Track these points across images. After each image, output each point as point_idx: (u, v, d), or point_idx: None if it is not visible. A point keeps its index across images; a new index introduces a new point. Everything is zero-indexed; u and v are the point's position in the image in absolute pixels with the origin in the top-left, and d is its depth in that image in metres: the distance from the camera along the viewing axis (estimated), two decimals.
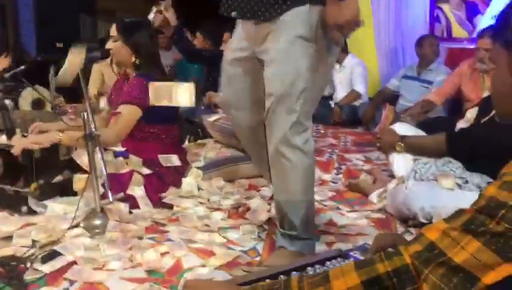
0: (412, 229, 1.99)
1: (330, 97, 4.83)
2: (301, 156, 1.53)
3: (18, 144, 2.17)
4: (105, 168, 1.88)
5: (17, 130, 2.39)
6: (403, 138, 2.33)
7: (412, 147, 2.30)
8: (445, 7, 4.73)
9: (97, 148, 1.92)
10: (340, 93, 4.74)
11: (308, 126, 1.55)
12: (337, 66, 4.69)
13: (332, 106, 4.69)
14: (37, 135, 2.34)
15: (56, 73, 3.75)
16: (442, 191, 2.02)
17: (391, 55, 5.23)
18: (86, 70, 2.74)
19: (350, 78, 4.69)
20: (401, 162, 2.33)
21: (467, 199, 1.95)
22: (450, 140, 2.19)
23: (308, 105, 1.53)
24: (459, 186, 2.04)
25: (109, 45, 2.38)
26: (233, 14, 1.58)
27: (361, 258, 1.42)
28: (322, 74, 1.56)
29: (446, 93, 3.63)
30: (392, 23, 5.23)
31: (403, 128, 2.46)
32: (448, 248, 0.79)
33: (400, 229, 2.02)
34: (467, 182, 2.05)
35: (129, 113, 2.29)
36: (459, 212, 0.85)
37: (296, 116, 1.49)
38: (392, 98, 4.51)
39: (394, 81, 4.51)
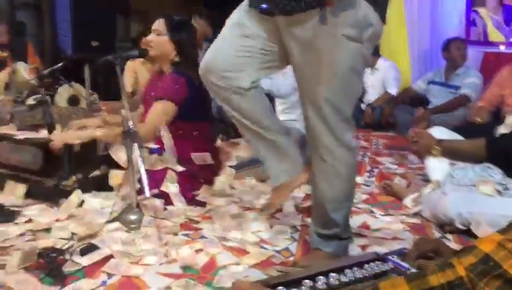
0: (449, 235, 1.95)
1: (360, 99, 4.79)
2: (350, 154, 1.53)
3: (58, 138, 2.23)
4: (143, 165, 1.91)
5: (57, 125, 2.44)
6: (439, 141, 2.29)
7: (449, 151, 2.26)
8: (482, 11, 4.63)
9: (135, 144, 1.95)
10: (372, 96, 4.71)
11: (353, 124, 1.55)
12: (368, 69, 4.65)
13: (363, 108, 4.65)
14: (76, 130, 2.40)
15: (91, 70, 3.85)
16: (481, 197, 1.97)
17: (424, 57, 5.16)
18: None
19: (382, 81, 4.66)
20: (437, 167, 2.29)
21: (506, 205, 1.92)
22: (490, 145, 2.15)
23: (351, 104, 1.52)
24: (499, 192, 2.00)
25: (151, 37, 2.40)
26: (264, 6, 1.46)
27: (400, 262, 1.40)
28: (362, 73, 1.54)
29: (492, 101, 3.52)
30: (426, 25, 5.16)
31: (439, 132, 2.42)
32: (504, 260, 0.78)
33: (436, 234, 1.98)
34: (507, 188, 2.00)
35: (164, 109, 2.32)
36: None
37: (343, 114, 1.49)
38: (417, 100, 4.45)
39: (420, 83, 4.45)
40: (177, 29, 2.41)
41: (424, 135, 2.39)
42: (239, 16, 1.59)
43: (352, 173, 1.59)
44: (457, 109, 3.97)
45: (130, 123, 1.94)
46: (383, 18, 1.47)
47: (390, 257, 1.47)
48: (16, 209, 2.04)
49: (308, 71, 1.48)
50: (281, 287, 1.12)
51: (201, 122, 2.45)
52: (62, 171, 2.17)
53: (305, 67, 1.48)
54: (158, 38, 2.41)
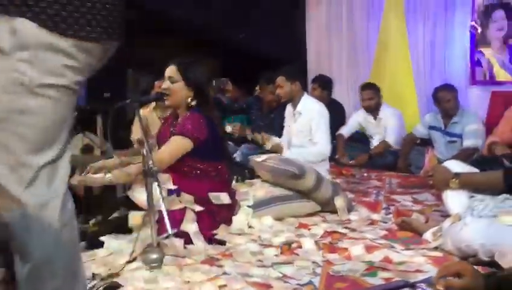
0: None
1: (367, 142, 4.82)
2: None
3: (79, 182, 2.24)
4: (164, 202, 1.93)
5: (77, 170, 2.48)
6: (457, 174, 2.29)
7: (468, 184, 2.26)
8: (487, 51, 4.72)
9: (155, 183, 1.97)
10: (377, 143, 4.70)
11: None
12: (371, 118, 4.69)
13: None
14: (93, 174, 2.42)
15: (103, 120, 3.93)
16: (503, 228, 1.95)
17: (431, 99, 5.20)
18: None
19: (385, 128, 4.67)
20: (455, 199, 2.28)
21: None
22: (508, 177, 2.14)
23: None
24: None
25: (167, 84, 2.42)
26: None
27: (427, 288, 1.40)
28: None
29: (502, 137, 3.51)
30: (431, 68, 5.26)
31: (455, 165, 2.42)
32: None
33: None
34: None
35: (178, 143, 2.33)
36: None
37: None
38: (424, 143, 4.45)
39: (419, 128, 4.44)
40: (192, 72, 2.44)
41: (440, 169, 2.40)
42: None
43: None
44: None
45: (150, 162, 1.97)
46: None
47: (418, 284, 1.46)
48: None
49: None
50: None
51: (219, 162, 2.47)
52: (82, 214, 2.19)
53: None
54: (174, 85, 2.42)
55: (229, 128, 4.11)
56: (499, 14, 4.59)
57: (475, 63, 4.83)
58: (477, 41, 4.79)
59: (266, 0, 6.16)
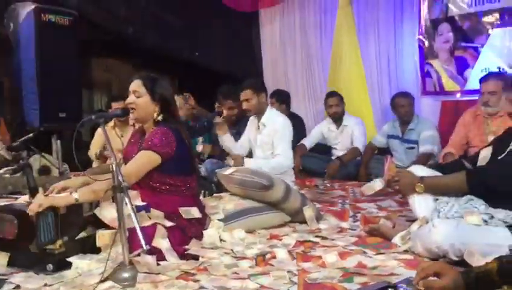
0: None
1: (329, 153, 4.90)
2: None
3: (35, 203, 2.11)
4: (136, 218, 1.88)
5: (40, 189, 2.37)
6: (422, 178, 2.36)
7: (433, 187, 2.33)
8: (435, 63, 4.95)
9: (125, 199, 1.92)
10: (341, 152, 4.79)
11: None
12: (334, 128, 4.80)
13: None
14: (57, 193, 2.32)
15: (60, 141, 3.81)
16: (470, 228, 2.03)
17: (385, 111, 5.39)
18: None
19: (350, 137, 4.77)
20: (422, 203, 2.35)
21: (494, 234, 1.99)
22: (470, 178, 2.23)
23: None
24: (485, 222, 2.06)
25: (132, 99, 2.37)
26: None
27: (408, 288, 1.43)
28: None
29: (460, 143, 3.68)
30: (384, 80, 5.44)
31: (419, 170, 2.50)
32: None
33: None
34: (492, 217, 2.07)
35: (146, 158, 2.28)
36: None
37: None
38: (383, 152, 4.59)
39: (379, 138, 4.61)
40: (159, 86, 2.41)
41: (405, 174, 2.47)
42: None
43: None
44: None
45: (120, 178, 1.92)
46: None
47: (399, 285, 1.49)
48: (1, 277, 1.93)
49: None
50: None
51: (189, 177, 2.44)
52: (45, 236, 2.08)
53: None
54: (139, 100, 2.38)
55: (200, 148, 4.07)
56: (444, 27, 4.83)
57: (425, 75, 5.04)
58: (425, 54, 5.02)
59: (221, 19, 6.20)
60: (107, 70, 7.18)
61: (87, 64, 7.13)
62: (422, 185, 2.34)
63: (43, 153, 3.88)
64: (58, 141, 4.32)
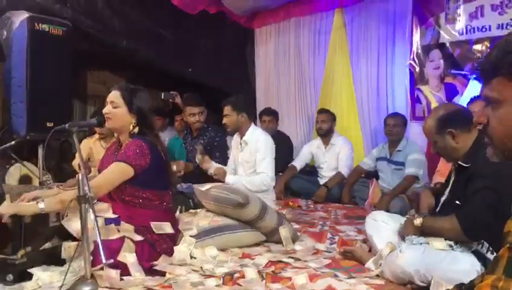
0: None
1: (316, 175, 4.88)
2: None
3: (7, 210, 2.10)
4: (99, 230, 1.83)
5: (7, 196, 2.33)
6: (424, 215, 2.26)
7: (428, 226, 2.15)
8: (425, 88, 4.95)
9: (90, 211, 1.88)
10: (327, 172, 4.77)
11: None
12: (322, 145, 4.80)
13: (321, 182, 4.70)
14: (22, 202, 2.27)
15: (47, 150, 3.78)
16: (435, 254, 2.00)
17: (375, 134, 5.38)
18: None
19: (337, 156, 4.76)
20: (382, 235, 2.35)
21: (458, 259, 1.95)
22: (461, 218, 1.99)
23: None
24: (451, 247, 2.03)
25: (108, 109, 2.35)
26: None
27: None
28: None
29: (447, 171, 3.62)
30: (375, 104, 5.44)
31: (379, 215, 2.55)
32: None
33: None
34: (457, 242, 2.04)
35: (117, 170, 2.24)
36: (496, 259, 0.85)
37: None
38: (369, 175, 4.57)
39: (367, 160, 4.59)
40: (136, 98, 2.39)
41: (428, 193, 2.47)
42: None
43: None
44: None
45: (86, 188, 1.89)
46: None
47: None
48: None
49: None
50: None
51: (163, 191, 2.40)
52: (11, 245, 2.04)
53: None
54: (116, 110, 2.36)
55: (174, 168, 4.04)
56: (436, 53, 4.85)
57: (415, 100, 5.04)
58: (416, 79, 5.03)
59: (216, 37, 6.22)
60: (101, 82, 7.17)
61: (81, 75, 7.14)
62: (421, 220, 2.18)
63: (24, 162, 3.83)
64: (41, 151, 4.28)
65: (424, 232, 2.15)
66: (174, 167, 3.46)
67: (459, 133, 2.12)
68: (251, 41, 6.67)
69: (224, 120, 3.33)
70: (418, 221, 2.19)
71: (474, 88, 4.52)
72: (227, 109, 3.31)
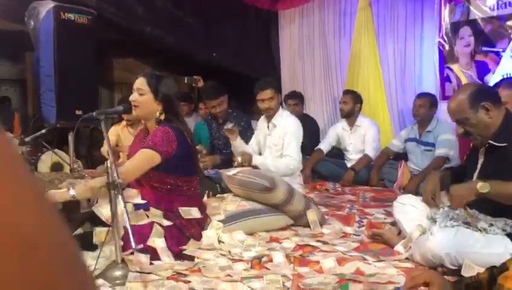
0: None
1: (342, 157, 4.82)
2: None
3: None
4: (128, 216, 1.86)
5: None
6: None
7: (497, 189, 1.93)
8: (455, 67, 4.81)
9: (119, 197, 1.91)
10: (353, 155, 4.71)
11: None
12: (347, 127, 4.72)
13: (348, 165, 4.65)
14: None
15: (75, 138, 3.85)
16: (467, 236, 1.95)
17: (403, 115, 5.29)
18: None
19: (363, 138, 4.68)
20: (411, 217, 2.31)
21: (491, 242, 1.90)
22: None
23: None
24: (485, 230, 1.98)
25: (135, 96, 2.37)
26: None
27: None
28: None
29: None
30: (403, 84, 5.34)
31: (407, 199, 2.50)
32: None
33: None
34: (491, 225, 1.99)
35: (145, 157, 2.26)
36: None
37: None
38: (397, 157, 4.48)
39: (395, 142, 4.49)
40: (162, 85, 2.40)
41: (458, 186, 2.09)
42: None
43: None
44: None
45: (115, 175, 1.92)
46: None
47: None
48: None
49: None
50: None
51: (190, 177, 2.42)
52: None
53: None
54: (142, 97, 2.37)
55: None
56: (466, 30, 4.70)
57: (444, 79, 4.91)
58: (445, 58, 4.89)
59: (239, 20, 6.19)
60: (127, 69, 7.24)
61: (107, 63, 7.22)
62: (486, 184, 1.93)
63: (55, 150, 3.92)
64: (71, 139, 4.37)
65: (486, 198, 1.93)
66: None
67: (493, 107, 2.05)
68: (275, 25, 6.60)
69: (268, 104, 3.26)
70: (481, 185, 1.91)
71: (506, 65, 4.38)
72: (269, 93, 3.24)
